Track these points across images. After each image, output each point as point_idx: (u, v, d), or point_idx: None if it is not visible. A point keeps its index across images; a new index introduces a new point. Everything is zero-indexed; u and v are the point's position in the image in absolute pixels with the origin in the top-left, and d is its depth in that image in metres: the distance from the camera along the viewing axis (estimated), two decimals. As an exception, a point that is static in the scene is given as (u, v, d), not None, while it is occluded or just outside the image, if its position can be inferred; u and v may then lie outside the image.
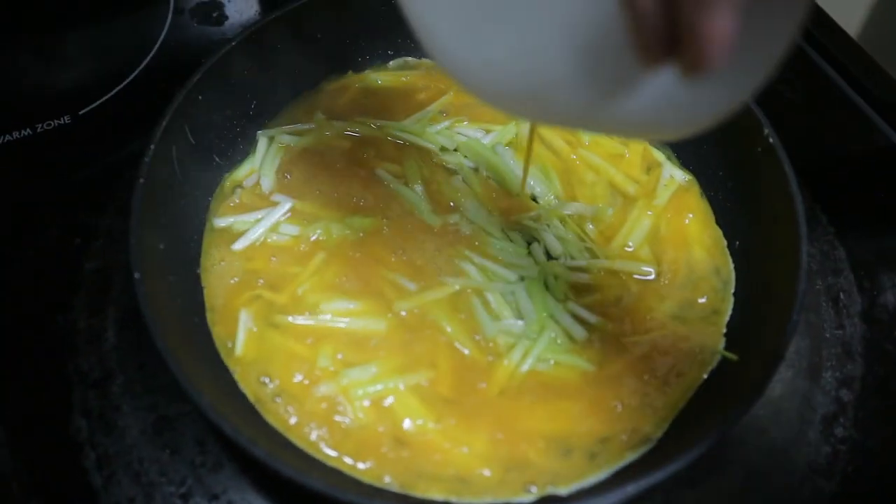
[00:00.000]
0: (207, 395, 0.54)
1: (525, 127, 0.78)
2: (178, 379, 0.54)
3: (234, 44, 0.71)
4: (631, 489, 0.52)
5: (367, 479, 0.58)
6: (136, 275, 0.58)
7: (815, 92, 0.88)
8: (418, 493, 0.58)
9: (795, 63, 0.89)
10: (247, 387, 0.62)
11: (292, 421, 0.60)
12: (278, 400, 0.61)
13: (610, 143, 0.78)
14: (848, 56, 0.89)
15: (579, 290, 0.68)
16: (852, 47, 0.90)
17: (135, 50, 0.87)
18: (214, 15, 0.92)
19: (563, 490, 0.58)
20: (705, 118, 0.44)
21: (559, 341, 0.65)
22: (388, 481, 0.58)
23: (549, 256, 0.70)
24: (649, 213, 0.73)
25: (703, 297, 0.68)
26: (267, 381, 0.62)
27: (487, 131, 0.78)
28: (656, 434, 0.61)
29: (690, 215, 0.73)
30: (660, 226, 0.72)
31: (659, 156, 0.77)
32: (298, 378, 0.62)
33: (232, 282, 0.67)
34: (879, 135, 0.84)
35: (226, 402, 0.58)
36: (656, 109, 0.43)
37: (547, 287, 0.68)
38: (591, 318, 0.66)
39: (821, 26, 0.91)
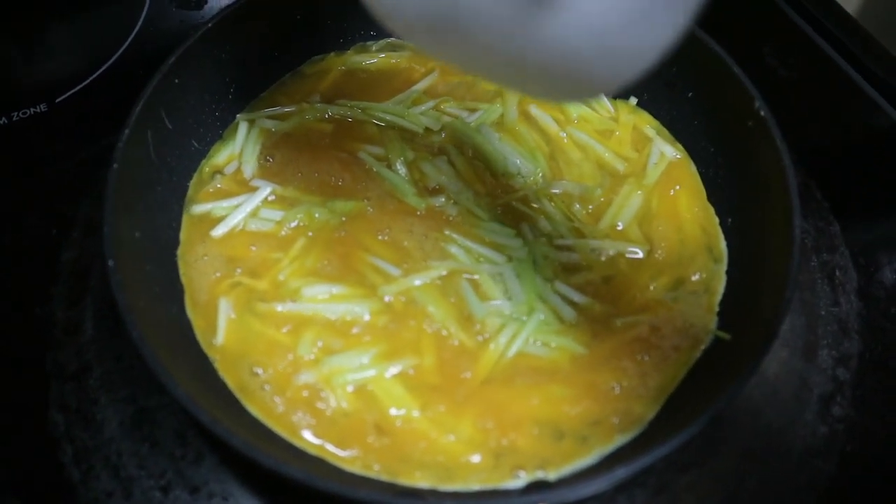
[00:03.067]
0: (184, 384, 0.53)
1: (512, 109, 0.76)
2: (153, 368, 0.52)
3: (210, 26, 0.69)
4: (621, 473, 0.51)
5: (351, 468, 0.57)
6: (110, 263, 0.56)
7: (809, 68, 0.86)
8: (405, 480, 0.56)
9: (790, 40, 0.87)
10: (228, 376, 0.61)
11: (276, 410, 0.59)
12: (266, 388, 0.60)
13: (599, 120, 0.76)
14: (844, 32, 0.87)
15: (569, 271, 0.66)
16: (849, 23, 0.88)
17: (112, 36, 0.85)
18: (194, -1, 0.90)
19: (552, 475, 0.56)
20: (649, 44, 0.40)
21: (548, 323, 0.63)
22: (376, 469, 0.57)
23: (538, 237, 0.68)
24: (639, 192, 0.71)
25: (695, 275, 0.67)
26: (260, 371, 0.60)
27: (472, 111, 0.76)
28: (648, 415, 0.59)
29: (681, 192, 0.71)
30: (650, 204, 0.71)
31: (649, 131, 0.75)
32: (280, 366, 0.61)
33: (215, 276, 0.65)
34: (876, 111, 0.82)
35: (205, 392, 0.57)
36: (588, 34, 0.39)
37: (536, 268, 0.66)
38: (579, 297, 0.64)
39: (817, 2, 0.89)
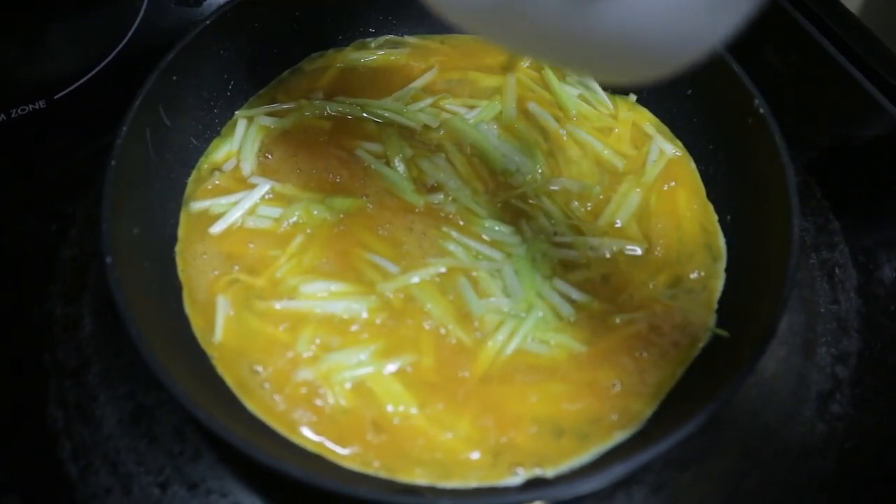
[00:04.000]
0: (182, 382, 0.53)
1: (511, 106, 0.76)
2: (151, 365, 0.52)
3: (208, 23, 0.69)
4: (619, 470, 0.51)
5: (350, 465, 0.57)
6: (108, 260, 0.56)
7: (810, 66, 0.86)
8: (403, 477, 0.56)
9: (791, 37, 0.87)
10: (227, 373, 0.61)
11: (275, 407, 0.59)
12: (266, 386, 0.60)
13: (598, 117, 0.76)
14: (846, 30, 0.87)
15: (567, 268, 0.66)
16: (851, 21, 0.88)
17: (111, 32, 0.85)
18: (193, -5, 0.90)
19: (550, 472, 0.56)
20: (706, 33, 0.40)
21: (547, 320, 0.63)
22: (376, 465, 0.57)
23: (537, 234, 0.68)
24: (638, 189, 0.71)
25: (693, 273, 0.66)
26: (260, 369, 0.60)
27: (471, 108, 0.76)
28: (647, 413, 0.59)
29: (680, 189, 0.71)
30: (649, 201, 0.70)
31: (649, 129, 0.75)
32: (279, 363, 0.61)
33: (213, 273, 0.65)
34: (876, 109, 0.82)
35: (203, 389, 0.57)
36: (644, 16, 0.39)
37: (534, 265, 0.66)
38: (578, 295, 0.64)
39: (819, 0, 0.89)
